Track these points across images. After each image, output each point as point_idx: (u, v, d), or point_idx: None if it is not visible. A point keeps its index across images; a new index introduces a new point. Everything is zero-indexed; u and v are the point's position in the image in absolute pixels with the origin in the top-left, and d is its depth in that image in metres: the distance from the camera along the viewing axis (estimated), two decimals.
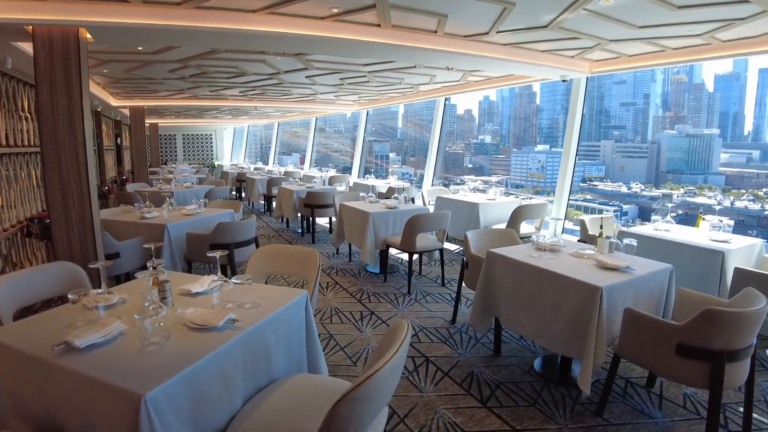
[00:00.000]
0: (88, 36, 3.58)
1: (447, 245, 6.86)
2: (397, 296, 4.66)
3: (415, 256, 5.39)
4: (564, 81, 6.03)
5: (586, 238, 4.69)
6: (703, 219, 4.12)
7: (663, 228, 4.15)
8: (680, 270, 3.08)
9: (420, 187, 9.18)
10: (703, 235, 3.92)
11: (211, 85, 7.32)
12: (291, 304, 2.20)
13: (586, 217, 4.90)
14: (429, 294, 4.72)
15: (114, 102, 8.55)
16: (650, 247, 3.75)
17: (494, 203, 6.19)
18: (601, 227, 3.35)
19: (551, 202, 6.64)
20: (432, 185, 9.27)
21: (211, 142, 19.82)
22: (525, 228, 5.70)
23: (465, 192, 6.86)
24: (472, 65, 5.40)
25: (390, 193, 7.63)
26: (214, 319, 1.92)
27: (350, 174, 12.10)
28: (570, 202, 9.98)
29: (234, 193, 13.00)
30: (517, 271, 3.01)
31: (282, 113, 13.88)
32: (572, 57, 5.33)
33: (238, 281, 2.14)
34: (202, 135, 19.51)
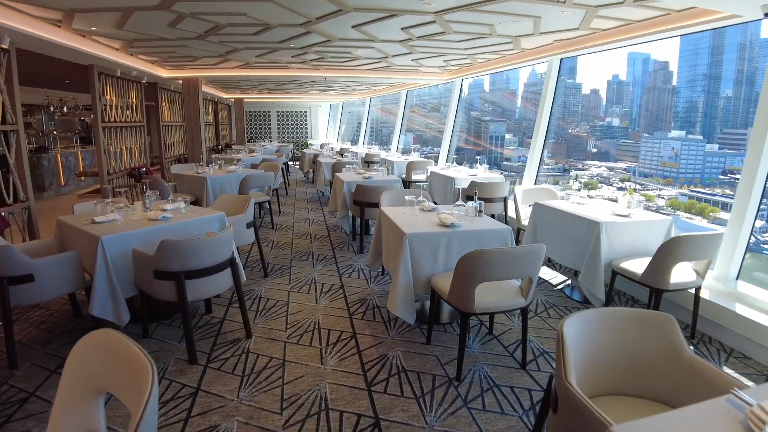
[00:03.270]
0: None
1: (548, 274, 4.62)
2: (436, 384, 2.72)
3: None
4: None
5: None
6: None
7: None
8: None
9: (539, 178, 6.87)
10: None
11: (249, 47, 5.87)
12: None
13: None
14: (493, 386, 2.69)
15: (163, 73, 7.62)
16: None
17: (627, 223, 3.77)
18: None
19: (728, 205, 4.03)
20: (536, 182, 6.86)
21: (306, 120, 19.04)
22: (680, 274, 3.29)
23: (580, 198, 4.45)
24: None
25: (481, 192, 5.47)
26: None
27: (441, 161, 10.15)
28: (705, 196, 7.19)
29: (311, 176, 11.87)
30: None
31: (368, 87, 12.25)
32: None
33: None
34: (296, 112, 18.79)
